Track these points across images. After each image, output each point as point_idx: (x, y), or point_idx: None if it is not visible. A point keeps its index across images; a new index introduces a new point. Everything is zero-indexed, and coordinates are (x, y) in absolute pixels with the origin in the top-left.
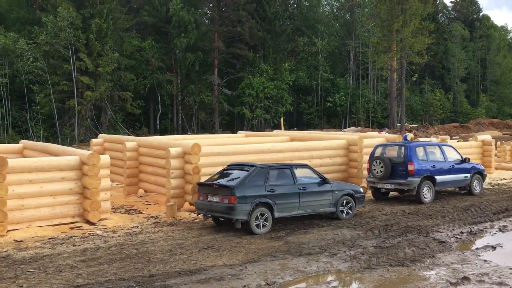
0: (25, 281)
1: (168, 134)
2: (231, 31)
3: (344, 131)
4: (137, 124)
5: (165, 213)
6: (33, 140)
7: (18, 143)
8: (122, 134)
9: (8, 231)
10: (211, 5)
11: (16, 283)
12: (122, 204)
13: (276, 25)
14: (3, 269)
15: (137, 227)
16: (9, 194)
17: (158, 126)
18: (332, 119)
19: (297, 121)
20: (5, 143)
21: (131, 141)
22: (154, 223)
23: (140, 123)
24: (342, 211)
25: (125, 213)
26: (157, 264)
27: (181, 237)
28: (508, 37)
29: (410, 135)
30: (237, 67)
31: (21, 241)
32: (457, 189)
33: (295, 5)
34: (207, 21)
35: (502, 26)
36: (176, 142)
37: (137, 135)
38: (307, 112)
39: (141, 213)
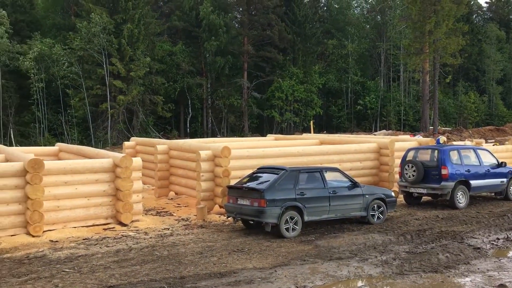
0: (60, 281)
1: (197, 137)
2: (260, 35)
3: (375, 135)
4: (167, 127)
5: (195, 215)
6: (68, 143)
7: (53, 145)
8: (153, 137)
9: (44, 231)
10: (240, 9)
11: (51, 283)
12: (154, 206)
13: (306, 28)
14: (39, 269)
15: (168, 229)
16: (45, 196)
17: (188, 129)
18: (362, 122)
19: (327, 124)
20: (41, 145)
21: (162, 144)
22: (184, 225)
23: (170, 126)
24: (373, 215)
25: (156, 215)
26: (188, 266)
27: (211, 239)
28: None
29: (442, 138)
30: (266, 70)
31: (56, 241)
32: (493, 194)
33: (325, 8)
34: (236, 25)
35: None
36: (206, 145)
37: (167, 138)
38: (336, 115)
39: (172, 215)
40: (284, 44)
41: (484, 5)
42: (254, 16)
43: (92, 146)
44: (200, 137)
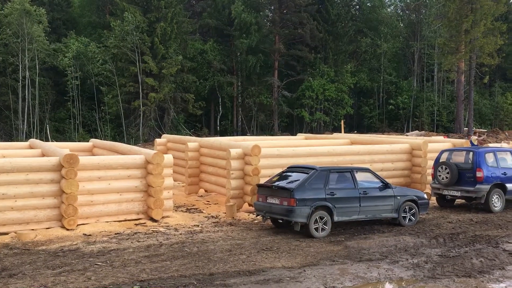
0: (93, 274)
1: (227, 135)
2: (292, 33)
3: (407, 135)
4: (198, 125)
5: (225, 213)
6: (101, 139)
7: (88, 141)
8: (184, 135)
9: (78, 225)
10: (272, 7)
11: (84, 275)
12: (184, 203)
13: (339, 27)
14: (73, 261)
15: (198, 226)
16: (80, 190)
17: (218, 127)
18: (394, 123)
19: (358, 124)
20: (75, 141)
21: (193, 142)
22: (214, 222)
23: (201, 124)
24: (404, 217)
25: (186, 211)
26: (217, 263)
27: (240, 237)
28: None
29: (474, 138)
30: (297, 69)
31: (89, 235)
32: None
33: (357, 6)
34: (268, 23)
35: None
36: (237, 144)
37: (197, 135)
38: (368, 115)
39: (202, 212)
40: (315, 43)
41: None
42: (285, 15)
43: (124, 143)
44: (230, 135)
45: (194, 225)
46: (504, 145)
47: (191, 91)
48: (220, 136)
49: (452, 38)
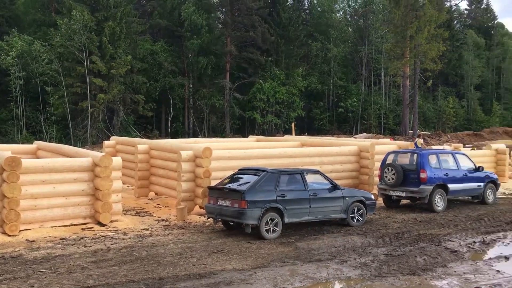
0: (36, 281)
1: (179, 137)
2: (243, 36)
3: (355, 137)
4: (148, 127)
5: (176, 216)
6: (46, 141)
7: (32, 143)
8: (134, 137)
9: (20, 230)
10: (223, 10)
11: (27, 283)
12: (133, 206)
13: (290, 31)
14: (15, 269)
15: (148, 229)
16: (22, 194)
17: (169, 129)
18: (344, 125)
19: (308, 126)
20: (19, 143)
21: (142, 144)
22: (164, 226)
23: (151, 126)
24: (352, 217)
25: (135, 215)
26: (167, 267)
27: (191, 240)
28: None
29: (419, 140)
30: (249, 72)
31: (33, 241)
32: (470, 198)
33: (308, 11)
34: (220, 25)
35: None
36: (188, 146)
37: (148, 137)
38: (318, 117)
39: (152, 215)
40: (267, 46)
41: (465, 12)
42: (237, 17)
43: (71, 145)
44: (182, 137)
45: (144, 229)
46: (446, 147)
47: (141, 92)
48: (171, 138)
49: (397, 43)
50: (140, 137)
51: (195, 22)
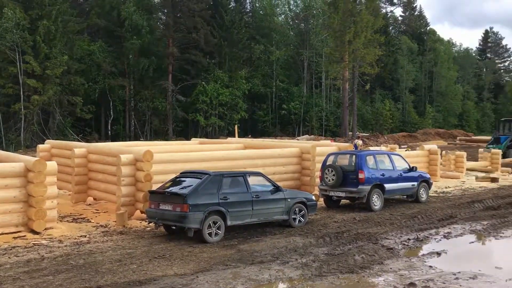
0: None
1: (120, 141)
2: (186, 37)
3: (298, 139)
4: (87, 130)
5: (115, 221)
6: None
7: None
8: (72, 140)
9: None
10: (165, 10)
11: None
12: (70, 212)
13: (233, 33)
14: None
15: (85, 236)
16: None
17: (109, 132)
18: (286, 127)
19: (252, 128)
20: None
21: (80, 148)
22: (103, 232)
23: (90, 129)
24: (294, 219)
25: (72, 222)
26: (105, 275)
27: (131, 246)
28: (453, 51)
29: (358, 142)
30: (191, 74)
31: None
32: (405, 197)
33: (250, 14)
34: (161, 26)
35: (448, 41)
36: (128, 149)
37: (87, 141)
38: (262, 119)
39: (90, 221)
40: (210, 48)
41: (399, 18)
42: (179, 18)
43: (2, 149)
44: (122, 140)
45: (81, 236)
46: (383, 148)
47: (79, 94)
48: (112, 141)
49: (337, 48)
50: (79, 141)
51: (135, 22)
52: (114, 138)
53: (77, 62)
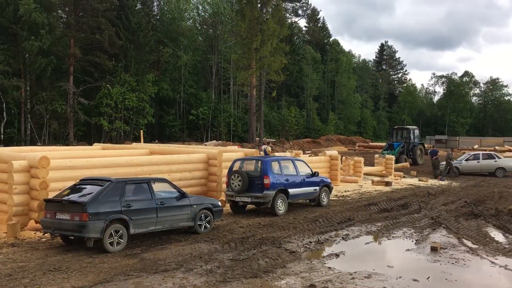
0: None
1: (14, 145)
2: (89, 38)
3: (206, 145)
4: None
5: (6, 233)
6: None
7: None
8: None
9: None
10: (66, 9)
11: None
12: None
13: (140, 36)
14: None
15: None
16: None
17: (2, 136)
18: (195, 132)
19: (159, 133)
20: None
21: None
22: None
23: None
24: (200, 225)
25: None
26: None
27: (23, 259)
28: (353, 62)
29: (268, 148)
30: (95, 76)
31: None
32: (308, 201)
33: (158, 17)
34: (62, 25)
35: (349, 51)
36: (21, 155)
37: None
38: (170, 124)
39: None
40: (115, 50)
41: (304, 28)
42: (82, 18)
43: None
44: (17, 145)
45: None
46: (287, 154)
47: None
48: (5, 146)
49: (244, 55)
50: None
51: (35, 20)
52: (7, 143)
53: None
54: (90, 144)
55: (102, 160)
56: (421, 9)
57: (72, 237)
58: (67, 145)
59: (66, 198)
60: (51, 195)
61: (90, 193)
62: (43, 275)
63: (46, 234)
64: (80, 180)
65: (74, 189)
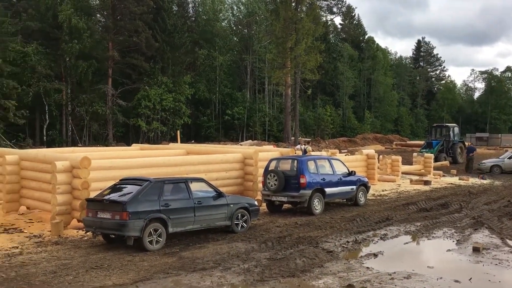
0: None
1: (56, 146)
2: (126, 41)
3: (241, 145)
4: (20, 135)
5: (50, 231)
6: None
7: None
8: (4, 146)
9: None
10: (105, 13)
11: None
12: (1, 223)
13: (176, 38)
14: None
15: (17, 247)
16: None
17: (45, 138)
18: (230, 132)
19: (196, 134)
20: None
21: (12, 154)
22: (36, 242)
23: (24, 134)
24: (237, 224)
25: (3, 232)
26: None
27: (67, 256)
28: (389, 59)
29: (309, 147)
30: (133, 78)
31: None
32: (344, 200)
33: (193, 19)
34: (100, 29)
35: (385, 48)
36: (64, 155)
37: (20, 147)
38: (205, 125)
39: (23, 232)
40: (152, 52)
41: (339, 26)
42: (119, 21)
43: None
44: (59, 146)
45: (13, 247)
46: (323, 153)
47: (12, 98)
48: (48, 147)
49: (279, 54)
50: (12, 147)
51: (75, 25)
52: (50, 144)
53: (10, 65)
54: (129, 144)
55: (141, 160)
56: (455, 4)
57: (113, 236)
58: (106, 145)
59: (107, 197)
60: (92, 195)
61: (130, 193)
62: (85, 273)
63: (88, 233)
64: (120, 180)
65: (114, 188)
